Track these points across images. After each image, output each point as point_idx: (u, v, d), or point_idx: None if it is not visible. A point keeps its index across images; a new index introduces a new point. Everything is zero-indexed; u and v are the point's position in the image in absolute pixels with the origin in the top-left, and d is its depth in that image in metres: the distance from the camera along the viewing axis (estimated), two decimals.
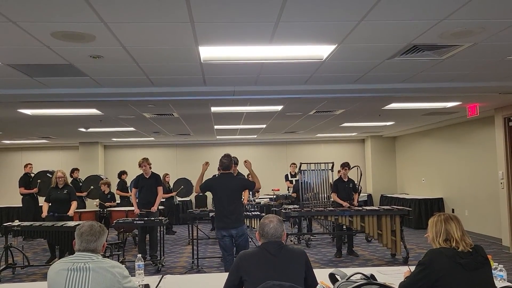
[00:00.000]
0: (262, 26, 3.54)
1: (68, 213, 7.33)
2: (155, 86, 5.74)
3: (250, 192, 9.15)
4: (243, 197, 7.31)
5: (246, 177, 8.04)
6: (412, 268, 2.84)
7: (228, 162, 5.47)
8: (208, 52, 4.31)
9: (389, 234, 7.35)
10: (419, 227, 11.07)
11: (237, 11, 3.22)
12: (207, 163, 6.03)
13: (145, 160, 7.54)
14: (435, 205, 11.11)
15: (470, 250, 2.62)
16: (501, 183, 8.20)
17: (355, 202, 8.13)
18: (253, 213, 7.48)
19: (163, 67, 4.77)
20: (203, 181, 5.57)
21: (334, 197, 8.05)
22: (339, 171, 8.35)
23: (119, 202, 10.27)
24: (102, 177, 10.85)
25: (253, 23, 3.48)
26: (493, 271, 2.84)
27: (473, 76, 5.57)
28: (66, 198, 7.38)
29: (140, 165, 7.51)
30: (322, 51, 4.38)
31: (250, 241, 8.78)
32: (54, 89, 5.70)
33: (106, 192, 9.83)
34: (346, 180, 8.12)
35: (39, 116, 7.89)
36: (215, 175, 10.57)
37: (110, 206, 9.53)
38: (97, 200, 9.95)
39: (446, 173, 10.96)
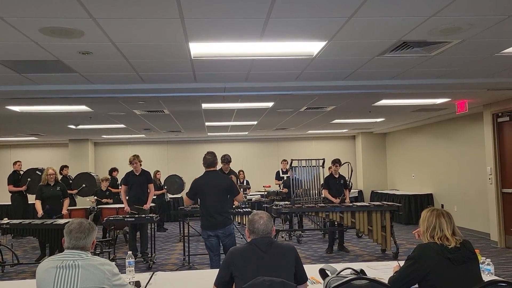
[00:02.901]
0: (253, 22, 3.54)
1: (62, 212, 7.27)
2: (145, 83, 5.71)
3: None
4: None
5: (237, 173, 8.08)
6: (402, 263, 2.87)
7: (212, 158, 5.26)
8: (199, 48, 4.30)
9: (379, 229, 7.40)
10: (409, 222, 11.16)
11: (227, 7, 3.21)
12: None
13: (136, 157, 7.50)
14: (424, 201, 11.20)
15: (458, 245, 2.65)
16: (490, 179, 8.29)
17: (347, 199, 8.18)
18: (244, 209, 7.48)
19: (153, 63, 4.75)
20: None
21: (325, 193, 8.09)
22: (330, 168, 8.39)
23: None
24: (93, 174, 10.79)
25: (244, 19, 3.47)
26: (480, 265, 2.88)
27: (462, 72, 5.61)
28: (59, 195, 7.33)
29: (131, 162, 7.48)
30: (312, 47, 4.39)
31: (241, 238, 8.83)
32: (43, 85, 5.64)
33: (104, 189, 9.84)
34: (337, 176, 8.16)
35: (28, 113, 7.81)
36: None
37: (107, 203, 9.64)
38: (93, 196, 9.94)
39: (435, 169, 11.06)
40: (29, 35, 3.70)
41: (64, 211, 7.34)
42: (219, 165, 7.77)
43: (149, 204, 7.52)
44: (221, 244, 5.27)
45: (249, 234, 2.82)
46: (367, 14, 3.43)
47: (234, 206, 7.39)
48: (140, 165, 7.56)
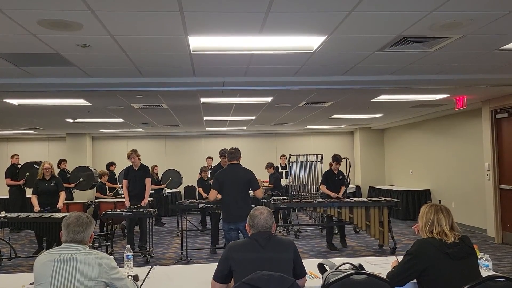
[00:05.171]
0: (252, 15, 3.51)
1: (57, 206, 7.21)
2: (144, 77, 5.69)
3: None
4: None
5: None
6: (400, 258, 2.88)
7: (236, 152, 5.51)
8: (198, 42, 4.28)
9: (377, 225, 7.41)
10: (406, 218, 11.19)
11: (227, 0, 3.19)
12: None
13: (134, 151, 7.48)
14: (422, 197, 11.23)
15: (457, 240, 2.66)
16: (487, 175, 8.31)
17: (340, 194, 8.11)
18: None
19: (152, 57, 4.72)
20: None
21: (323, 188, 8.08)
22: (330, 164, 8.33)
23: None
24: (90, 168, 10.78)
25: (243, 13, 3.45)
26: (479, 261, 2.89)
27: (461, 68, 5.61)
28: (54, 189, 7.28)
29: (129, 157, 7.46)
30: (312, 42, 4.37)
31: (239, 232, 8.83)
32: (41, 78, 5.61)
33: (104, 182, 9.87)
34: (336, 172, 8.13)
35: (26, 106, 7.78)
36: (203, 167, 10.56)
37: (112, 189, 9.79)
38: (95, 191, 10.04)
39: (433, 165, 11.07)
40: (27, 28, 3.67)
41: (60, 205, 7.26)
42: (218, 160, 7.82)
43: (147, 199, 7.49)
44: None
45: (249, 229, 2.83)
46: (367, 9, 3.41)
47: None
48: (139, 159, 7.54)
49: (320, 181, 9.28)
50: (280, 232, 9.27)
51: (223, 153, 7.34)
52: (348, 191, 10.93)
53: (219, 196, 5.46)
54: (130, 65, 5.07)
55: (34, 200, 7.15)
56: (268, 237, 2.74)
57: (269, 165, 10.34)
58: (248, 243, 2.74)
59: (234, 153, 5.51)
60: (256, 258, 2.64)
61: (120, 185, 10.03)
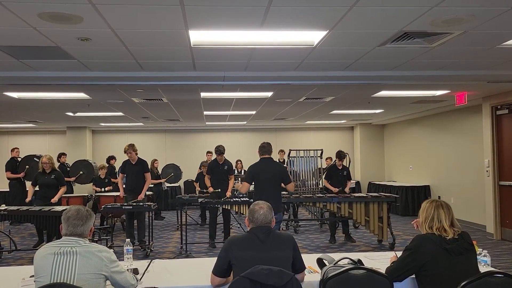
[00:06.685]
0: (253, 10, 3.50)
1: (52, 200, 7.15)
2: (144, 71, 5.68)
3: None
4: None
5: (231, 164, 8.13)
6: (398, 253, 2.88)
7: (268, 146, 5.64)
8: (198, 36, 4.27)
9: (376, 220, 7.42)
10: (406, 214, 11.21)
11: None
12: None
13: (131, 146, 7.45)
14: (422, 193, 11.23)
15: (457, 236, 2.67)
16: (487, 171, 8.32)
17: (346, 189, 8.15)
18: (242, 199, 7.49)
19: (152, 51, 4.71)
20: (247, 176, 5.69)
21: (325, 183, 8.07)
22: (327, 159, 8.35)
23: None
24: (90, 161, 10.79)
25: (244, 7, 3.44)
26: (477, 257, 2.90)
27: (462, 64, 5.60)
28: (53, 183, 7.27)
29: (125, 152, 7.44)
30: (313, 37, 4.36)
31: (239, 227, 8.85)
32: (41, 72, 5.61)
33: (102, 177, 9.85)
34: (340, 168, 8.13)
35: (26, 99, 7.77)
36: (203, 162, 10.57)
37: (108, 191, 9.71)
38: (91, 184, 10.01)
39: (433, 161, 11.08)
40: (27, 20, 3.66)
41: (55, 199, 7.18)
42: (213, 156, 7.85)
43: (143, 194, 7.47)
44: None
45: (249, 223, 2.83)
46: (369, 4, 3.40)
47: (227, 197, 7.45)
48: (136, 154, 7.51)
49: (319, 176, 9.31)
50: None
51: (217, 150, 7.58)
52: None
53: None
54: (131, 59, 5.06)
55: (30, 191, 7.36)
56: (267, 232, 2.75)
57: None
58: (247, 237, 2.75)
59: (266, 147, 5.64)
60: (255, 253, 2.65)
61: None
